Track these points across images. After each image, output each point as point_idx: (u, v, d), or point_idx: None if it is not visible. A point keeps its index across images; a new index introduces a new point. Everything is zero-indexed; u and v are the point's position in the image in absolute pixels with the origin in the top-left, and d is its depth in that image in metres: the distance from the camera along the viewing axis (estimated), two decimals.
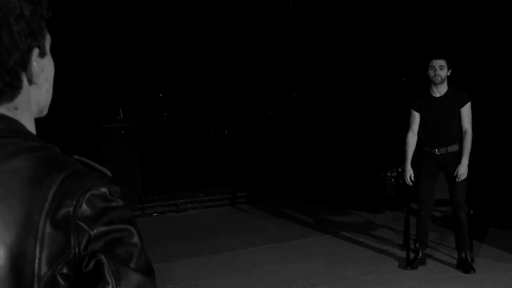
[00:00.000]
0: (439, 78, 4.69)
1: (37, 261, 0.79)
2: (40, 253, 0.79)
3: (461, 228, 4.83)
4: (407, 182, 4.95)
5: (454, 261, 4.92)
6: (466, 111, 4.74)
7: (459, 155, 4.78)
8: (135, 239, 0.86)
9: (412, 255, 4.99)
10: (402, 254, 5.22)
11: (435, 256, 5.18)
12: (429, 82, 4.81)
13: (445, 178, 4.89)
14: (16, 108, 0.92)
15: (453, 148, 4.79)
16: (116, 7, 6.55)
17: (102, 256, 0.81)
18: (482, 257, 5.06)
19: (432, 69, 4.72)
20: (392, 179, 7.17)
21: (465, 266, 4.75)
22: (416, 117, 4.88)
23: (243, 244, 5.68)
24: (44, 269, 0.79)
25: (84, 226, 0.81)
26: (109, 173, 0.91)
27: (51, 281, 0.79)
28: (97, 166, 0.91)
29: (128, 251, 0.84)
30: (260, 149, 7.89)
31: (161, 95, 7.05)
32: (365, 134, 7.02)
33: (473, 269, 4.72)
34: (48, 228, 0.80)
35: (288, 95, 8.07)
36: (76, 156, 0.92)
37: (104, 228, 0.83)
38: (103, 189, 0.85)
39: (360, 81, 7.04)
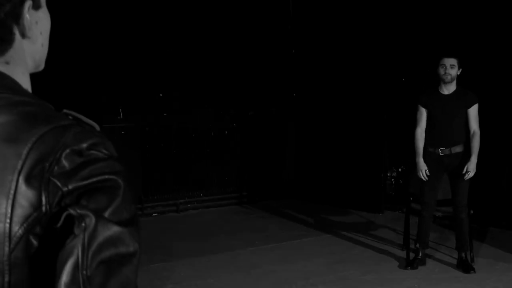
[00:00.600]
0: (449, 77, 4.71)
1: (8, 220, 0.76)
2: (11, 212, 0.76)
3: (461, 228, 4.82)
4: (422, 177, 4.82)
5: (454, 261, 4.92)
6: (473, 112, 4.73)
7: (463, 156, 4.75)
8: (118, 191, 0.80)
9: (412, 255, 4.99)
10: (402, 254, 5.22)
11: (435, 256, 5.18)
12: (438, 80, 4.81)
13: (448, 179, 4.89)
14: (7, 63, 0.89)
15: (457, 149, 4.78)
16: (116, 7, 6.55)
17: (72, 209, 0.77)
18: (482, 257, 5.06)
19: (442, 67, 4.72)
20: (392, 179, 7.17)
21: (465, 266, 4.75)
22: (423, 113, 4.87)
23: (243, 244, 5.68)
24: (15, 228, 0.76)
25: (57, 182, 0.77)
26: (97, 127, 0.87)
27: (23, 241, 0.76)
28: (85, 119, 0.87)
29: (104, 201, 0.79)
30: (260, 149, 7.88)
31: (161, 95, 7.05)
32: (365, 134, 7.02)
33: (473, 269, 4.72)
34: (20, 187, 0.76)
35: (288, 95, 8.07)
36: (65, 110, 0.87)
37: (80, 183, 0.78)
38: (86, 144, 0.80)
39: (360, 81, 7.03)
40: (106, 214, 0.78)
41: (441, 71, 4.73)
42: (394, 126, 6.86)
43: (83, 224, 0.76)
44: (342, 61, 7.24)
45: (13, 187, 0.76)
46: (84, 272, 0.75)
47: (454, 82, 4.77)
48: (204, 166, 7.34)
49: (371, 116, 6.97)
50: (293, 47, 7.98)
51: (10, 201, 0.76)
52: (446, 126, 4.76)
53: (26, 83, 0.92)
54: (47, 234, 0.77)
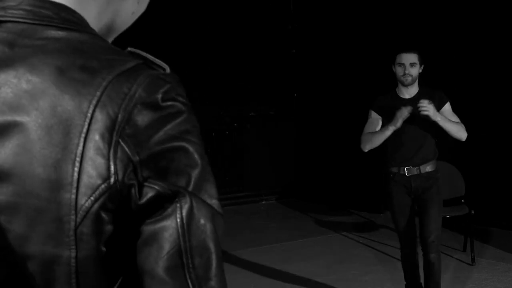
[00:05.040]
0: (409, 79, 3.70)
1: (74, 190, 0.68)
2: (78, 181, 0.67)
3: (432, 274, 3.79)
4: (406, 111, 3.59)
5: (455, 262, 4.92)
6: (448, 110, 3.75)
7: (435, 178, 3.78)
8: (201, 157, 0.71)
9: None
10: None
11: None
12: (395, 81, 3.81)
13: (416, 207, 3.84)
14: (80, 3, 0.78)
15: (427, 167, 3.76)
16: None
17: (158, 185, 0.68)
18: (483, 257, 5.05)
19: (400, 66, 3.70)
20: None
21: None
22: (375, 122, 3.80)
23: (243, 244, 5.67)
24: (82, 200, 0.68)
25: (127, 149, 0.68)
26: (168, 68, 0.74)
27: (91, 214, 0.68)
28: (153, 59, 0.75)
29: (189, 171, 0.70)
30: (261, 149, 7.88)
31: None
32: None
33: None
34: (86, 153, 0.67)
35: (289, 95, 8.06)
36: (130, 48, 0.76)
37: (156, 149, 0.68)
38: (160, 94, 0.70)
39: (360, 81, 7.02)
40: (197, 190, 0.70)
41: (399, 71, 3.72)
42: None
43: (177, 205, 0.68)
44: (343, 61, 7.23)
45: (79, 153, 0.67)
46: (186, 257, 0.69)
47: (416, 83, 3.77)
48: None
49: None
50: (294, 47, 7.97)
51: (76, 169, 0.67)
52: (412, 139, 3.73)
53: (94, 25, 0.80)
54: (119, 209, 0.70)
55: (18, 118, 0.69)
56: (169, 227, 0.68)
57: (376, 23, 6.83)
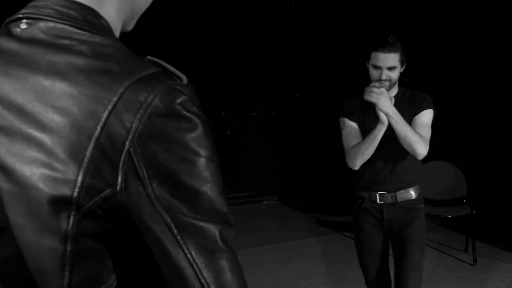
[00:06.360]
0: (387, 84, 2.79)
1: (76, 189, 0.68)
2: (82, 182, 0.68)
3: None
4: (376, 85, 2.80)
5: (456, 262, 4.89)
6: (423, 119, 2.77)
7: (416, 209, 2.86)
8: (205, 174, 0.72)
9: None
10: None
11: (437, 256, 5.14)
12: (368, 78, 2.91)
13: (391, 247, 2.98)
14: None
15: (405, 194, 2.84)
16: None
17: (155, 203, 0.69)
18: (485, 258, 5.02)
19: (376, 69, 2.81)
20: None
21: None
22: (355, 131, 2.88)
23: (243, 244, 5.65)
24: (83, 200, 0.69)
25: (136, 161, 0.68)
26: (185, 79, 0.75)
27: (91, 214, 0.70)
28: (172, 69, 0.75)
29: (194, 192, 0.70)
30: (262, 149, 7.86)
31: None
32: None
33: None
34: (96, 157, 0.68)
35: (291, 95, 8.05)
36: (149, 57, 0.76)
37: (164, 164, 0.68)
38: (174, 104, 0.70)
39: (362, 82, 6.99)
40: (201, 214, 0.71)
41: (374, 74, 2.82)
42: None
43: (172, 220, 0.70)
44: (345, 62, 7.21)
45: (87, 155, 0.68)
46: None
47: (396, 85, 2.90)
48: None
49: None
50: (296, 47, 7.96)
51: (82, 170, 0.68)
52: (387, 156, 2.83)
53: (115, 23, 0.81)
54: (119, 212, 0.71)
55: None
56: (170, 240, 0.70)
57: (378, 23, 6.81)
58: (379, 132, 2.73)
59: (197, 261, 0.70)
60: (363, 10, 6.98)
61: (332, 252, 5.42)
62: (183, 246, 0.70)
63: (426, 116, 2.78)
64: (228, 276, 0.72)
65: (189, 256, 0.70)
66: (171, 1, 6.88)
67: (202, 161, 0.71)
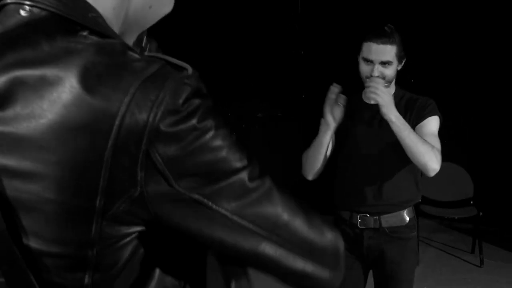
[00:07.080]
0: (380, 82, 2.41)
1: (98, 196, 0.67)
2: (103, 187, 0.67)
3: None
4: (330, 100, 2.58)
5: (463, 263, 4.86)
6: (428, 128, 2.29)
7: (406, 238, 2.32)
8: (221, 154, 0.71)
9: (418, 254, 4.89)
10: None
11: (444, 257, 5.12)
12: (360, 80, 2.53)
13: (374, 279, 2.56)
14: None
15: (393, 219, 2.32)
16: None
17: (190, 192, 0.69)
18: (491, 259, 4.99)
19: (367, 63, 2.49)
20: None
21: None
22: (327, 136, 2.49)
23: None
24: (106, 204, 0.67)
25: (156, 161, 0.67)
26: (190, 69, 0.74)
27: (115, 218, 0.69)
28: (174, 60, 0.74)
29: (214, 171, 0.70)
30: (268, 150, 7.86)
31: None
32: None
33: None
34: (113, 161, 0.66)
35: (297, 96, 8.04)
36: (147, 53, 0.74)
37: (182, 157, 0.68)
38: (181, 100, 0.68)
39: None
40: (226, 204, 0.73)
41: (365, 69, 2.51)
42: None
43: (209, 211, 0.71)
44: (352, 62, 7.19)
45: (106, 159, 0.66)
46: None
47: (393, 83, 2.54)
48: None
49: None
50: (302, 48, 7.95)
51: (103, 174, 0.66)
52: (375, 167, 2.34)
53: (113, 22, 0.79)
54: (143, 213, 0.70)
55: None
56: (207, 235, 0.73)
57: (386, 24, 6.79)
58: (326, 137, 2.43)
59: (241, 214, 0.75)
60: (371, 10, 6.97)
61: None
62: (220, 210, 0.71)
63: (432, 124, 2.28)
64: (274, 209, 0.81)
65: (235, 217, 0.74)
66: (179, 2, 6.90)
67: (213, 143, 0.71)
